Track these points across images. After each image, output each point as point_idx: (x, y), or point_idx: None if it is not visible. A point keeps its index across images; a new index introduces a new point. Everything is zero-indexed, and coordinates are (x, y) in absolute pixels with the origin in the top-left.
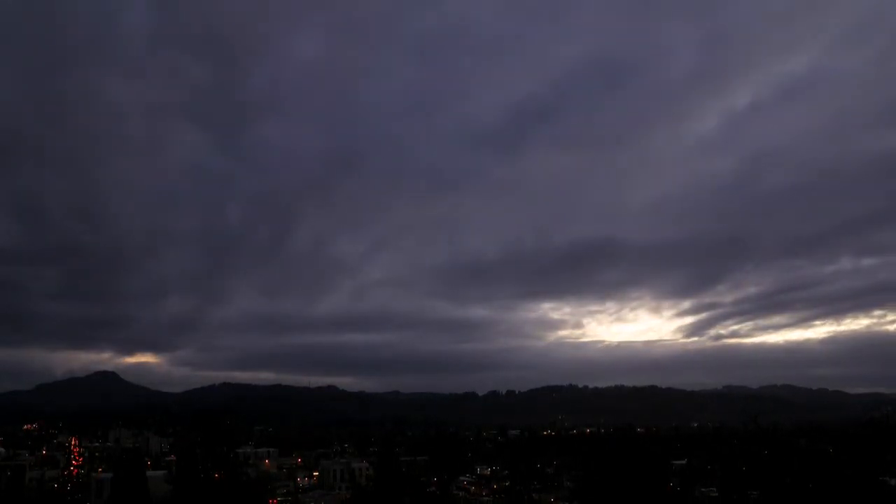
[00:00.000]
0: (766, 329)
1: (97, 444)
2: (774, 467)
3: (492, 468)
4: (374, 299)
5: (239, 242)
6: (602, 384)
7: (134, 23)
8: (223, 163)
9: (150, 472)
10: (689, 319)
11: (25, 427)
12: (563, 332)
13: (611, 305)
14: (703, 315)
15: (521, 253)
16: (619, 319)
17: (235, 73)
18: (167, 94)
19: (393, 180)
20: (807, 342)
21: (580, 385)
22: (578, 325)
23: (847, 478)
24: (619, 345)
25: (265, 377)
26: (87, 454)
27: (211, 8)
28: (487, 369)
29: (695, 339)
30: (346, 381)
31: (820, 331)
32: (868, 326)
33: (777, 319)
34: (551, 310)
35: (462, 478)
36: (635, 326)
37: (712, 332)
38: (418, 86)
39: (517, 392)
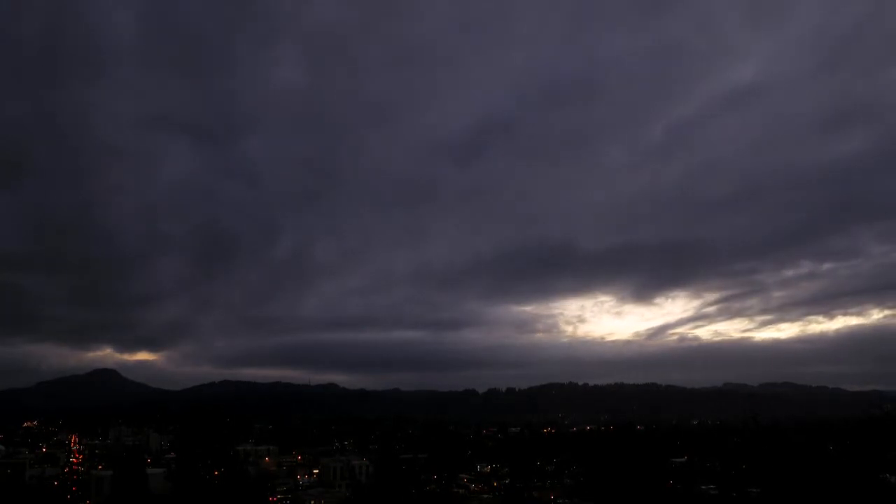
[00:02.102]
0: (763, 326)
1: (97, 442)
2: (774, 465)
3: (492, 465)
4: (373, 299)
5: (236, 246)
6: (602, 381)
7: (126, 41)
8: (214, 174)
9: (150, 470)
10: (685, 315)
11: (25, 424)
12: (562, 330)
13: (603, 304)
14: (704, 309)
15: (507, 254)
16: (613, 316)
17: (223, 90)
18: (161, 110)
19: (377, 188)
20: (807, 340)
21: (580, 382)
22: (577, 322)
23: (847, 475)
24: (616, 342)
25: (265, 374)
26: (87, 452)
27: (197, 27)
28: (487, 367)
29: (694, 336)
30: (346, 379)
31: (820, 328)
32: (870, 323)
33: (772, 317)
34: (550, 307)
35: (462, 475)
36: (633, 323)
37: (713, 328)
38: (387, 100)
39: (517, 389)
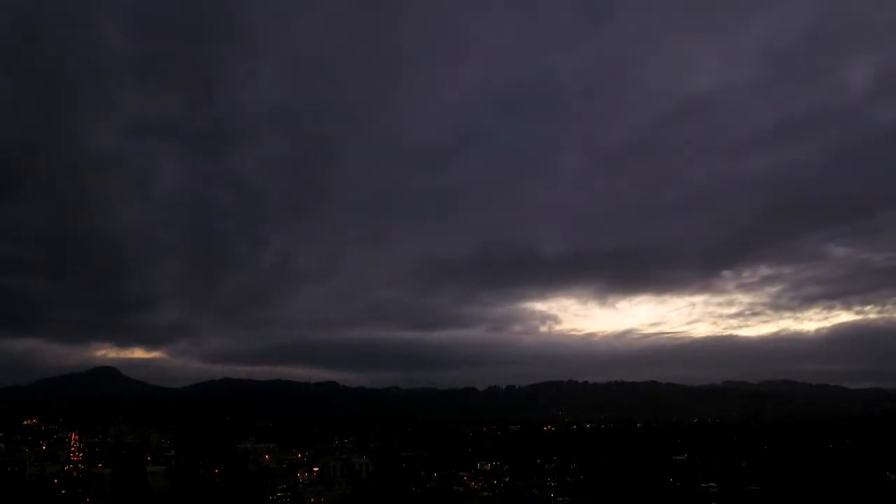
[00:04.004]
0: (749, 325)
1: (97, 440)
2: (775, 463)
3: (492, 463)
4: (373, 298)
5: (233, 249)
6: (602, 379)
7: (120, 57)
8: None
9: (150, 468)
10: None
11: (25, 422)
12: (562, 328)
13: (600, 301)
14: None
15: (496, 256)
16: (607, 314)
17: (215, 104)
18: (158, 122)
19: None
20: (808, 337)
21: (580, 380)
22: (574, 321)
23: (848, 473)
24: (616, 340)
25: (265, 373)
26: (87, 449)
27: (189, 43)
28: (488, 364)
29: (696, 332)
30: (346, 377)
31: (820, 325)
32: (870, 320)
33: (752, 317)
34: (548, 305)
35: (462, 473)
36: (633, 320)
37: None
38: (366, 114)
39: (517, 387)
